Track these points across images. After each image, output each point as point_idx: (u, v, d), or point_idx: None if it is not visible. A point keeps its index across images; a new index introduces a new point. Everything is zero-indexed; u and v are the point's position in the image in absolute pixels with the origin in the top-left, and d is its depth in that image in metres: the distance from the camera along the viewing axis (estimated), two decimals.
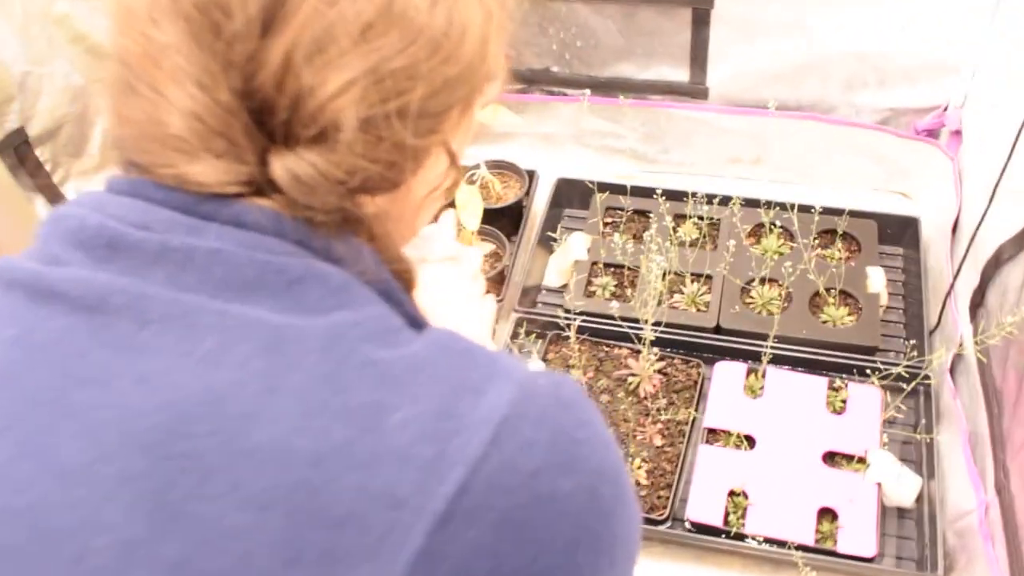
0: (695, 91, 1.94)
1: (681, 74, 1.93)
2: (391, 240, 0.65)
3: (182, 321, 0.55)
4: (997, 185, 1.46)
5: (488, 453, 0.53)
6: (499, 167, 1.97)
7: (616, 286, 1.80)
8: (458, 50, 0.60)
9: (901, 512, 1.48)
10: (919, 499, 1.47)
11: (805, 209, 1.78)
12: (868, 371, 1.57)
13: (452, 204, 1.70)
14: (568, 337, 1.65)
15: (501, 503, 0.53)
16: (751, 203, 1.84)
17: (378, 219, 0.64)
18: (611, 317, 1.61)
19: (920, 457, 1.52)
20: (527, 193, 1.93)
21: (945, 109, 1.83)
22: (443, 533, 0.51)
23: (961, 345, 1.52)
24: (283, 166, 0.56)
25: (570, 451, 0.57)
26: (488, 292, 1.20)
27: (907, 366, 1.52)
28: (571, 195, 1.95)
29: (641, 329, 1.58)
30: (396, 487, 0.52)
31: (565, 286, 1.81)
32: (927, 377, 1.53)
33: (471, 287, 1.15)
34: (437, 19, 0.58)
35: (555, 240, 1.73)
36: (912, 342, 1.59)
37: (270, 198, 0.58)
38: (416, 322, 0.64)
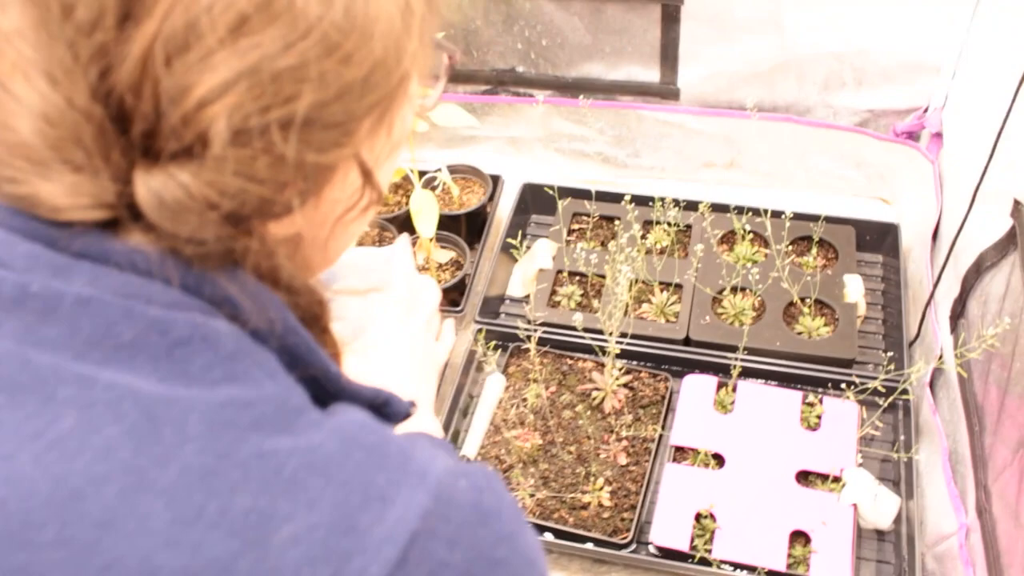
0: (666, 92, 1.86)
1: (651, 74, 1.86)
2: (293, 269, 0.56)
3: (36, 392, 0.45)
4: (977, 189, 1.38)
5: None
6: (462, 171, 1.89)
7: (582, 295, 1.72)
8: (362, 50, 0.50)
9: (878, 534, 1.40)
10: (897, 520, 1.39)
11: (780, 215, 1.71)
12: (844, 385, 1.49)
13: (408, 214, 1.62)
14: (530, 350, 1.56)
15: None
16: (724, 208, 1.76)
17: (282, 245, 0.54)
18: (576, 328, 1.53)
19: (898, 476, 1.44)
20: (491, 198, 1.85)
21: (925, 110, 1.76)
22: None
23: (941, 359, 1.44)
24: (146, 186, 0.47)
25: (487, 575, 0.50)
26: (440, 333, 1.11)
27: (885, 380, 1.44)
28: (537, 200, 1.87)
29: (606, 341, 1.50)
30: None
31: (530, 296, 1.73)
32: (906, 392, 1.45)
33: (423, 334, 1.05)
34: (334, 12, 0.48)
35: (515, 248, 1.65)
36: (891, 354, 1.52)
37: (142, 229, 0.49)
38: (328, 381, 0.56)
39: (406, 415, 0.64)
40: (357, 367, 0.95)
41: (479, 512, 0.51)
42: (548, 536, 1.41)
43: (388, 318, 1.01)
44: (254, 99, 0.46)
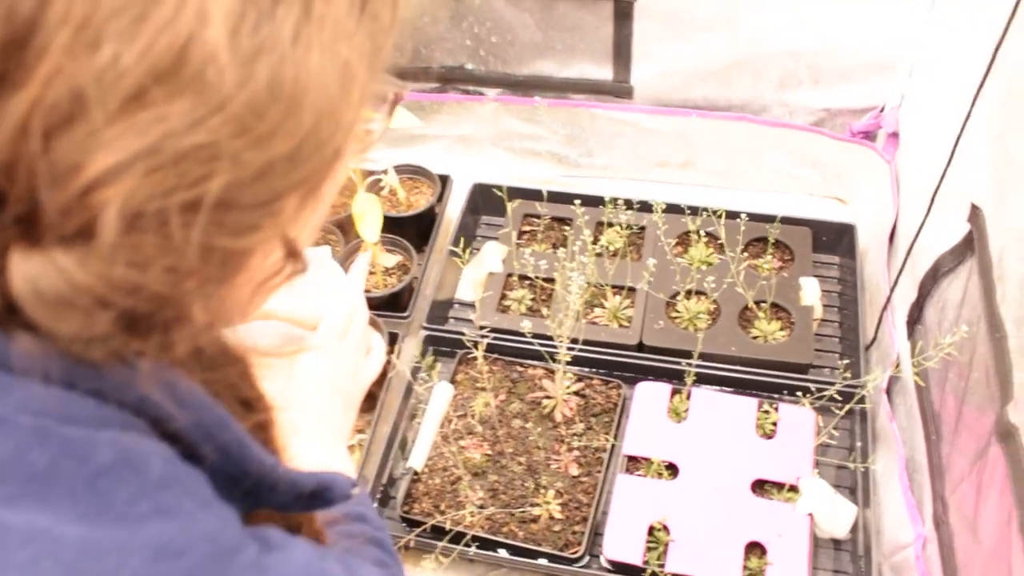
0: (619, 90, 1.82)
1: (604, 72, 1.81)
2: (208, 341, 0.49)
3: None
4: (936, 192, 1.35)
5: None
6: (409, 171, 1.83)
7: (533, 300, 1.67)
8: (288, 123, 0.42)
9: (835, 543, 1.37)
10: (854, 529, 1.36)
11: (735, 215, 1.67)
12: (800, 392, 1.46)
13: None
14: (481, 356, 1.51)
15: None
16: (678, 209, 1.72)
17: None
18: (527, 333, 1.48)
19: (855, 483, 1.42)
20: (439, 199, 1.80)
21: (882, 110, 1.73)
22: None
23: (898, 366, 1.41)
24: (22, 271, 0.39)
25: None
26: (370, 350, 1.04)
27: (844, 381, 1.41)
28: (488, 201, 1.82)
29: (557, 348, 1.45)
30: None
31: (478, 301, 1.68)
32: (862, 399, 1.42)
33: (351, 358, 0.97)
34: (255, 82, 0.40)
35: (458, 255, 1.59)
36: (846, 361, 1.48)
37: (22, 326, 0.41)
38: (264, 475, 0.51)
39: (347, 498, 0.59)
40: (278, 393, 0.90)
41: None
42: (501, 552, 1.36)
43: (318, 342, 0.94)
44: (155, 183, 0.39)
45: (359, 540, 0.78)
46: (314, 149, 0.44)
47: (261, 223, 0.44)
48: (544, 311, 1.64)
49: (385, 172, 1.75)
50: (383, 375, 1.52)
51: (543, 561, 1.35)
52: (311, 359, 0.92)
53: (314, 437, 0.88)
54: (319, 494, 0.56)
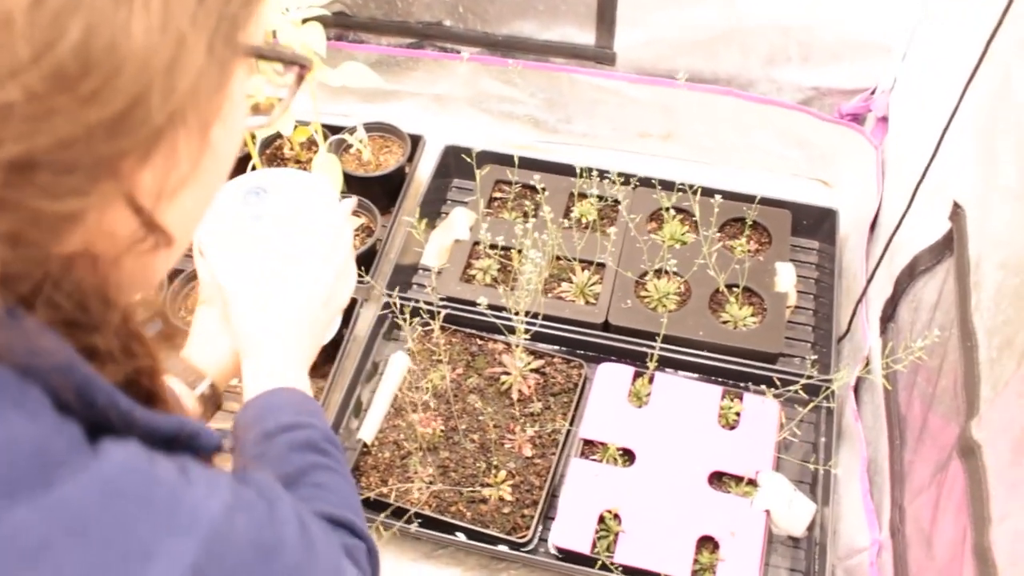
0: (601, 56, 1.75)
1: (587, 36, 1.74)
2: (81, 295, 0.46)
3: None
4: (919, 184, 1.29)
5: None
6: (380, 130, 1.76)
7: (499, 270, 1.61)
8: (107, 88, 0.40)
9: (792, 541, 1.34)
10: (811, 527, 1.32)
11: (714, 193, 1.60)
12: (766, 384, 1.41)
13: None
14: (440, 327, 1.46)
15: None
16: (655, 183, 1.66)
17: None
18: (487, 306, 1.43)
19: (815, 479, 1.37)
20: (410, 160, 1.73)
21: (872, 92, 1.66)
22: None
23: (867, 367, 1.36)
24: None
25: None
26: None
27: (809, 379, 1.36)
28: (460, 164, 1.75)
29: (518, 322, 1.40)
30: None
31: (442, 269, 1.62)
32: (829, 395, 1.37)
33: (332, 281, 0.93)
34: (62, 44, 0.38)
35: (414, 227, 1.52)
36: (815, 357, 1.43)
37: None
38: (116, 415, 0.47)
39: (216, 449, 0.57)
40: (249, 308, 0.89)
41: (260, 550, 0.50)
42: (451, 533, 1.32)
43: (309, 253, 0.92)
44: None
45: (297, 445, 0.78)
46: (142, 117, 0.42)
47: (86, 188, 0.42)
48: (507, 284, 1.58)
49: (353, 130, 1.68)
50: (339, 338, 1.48)
51: (490, 544, 1.31)
52: (285, 280, 0.90)
53: (274, 355, 0.87)
54: (185, 441, 0.53)
